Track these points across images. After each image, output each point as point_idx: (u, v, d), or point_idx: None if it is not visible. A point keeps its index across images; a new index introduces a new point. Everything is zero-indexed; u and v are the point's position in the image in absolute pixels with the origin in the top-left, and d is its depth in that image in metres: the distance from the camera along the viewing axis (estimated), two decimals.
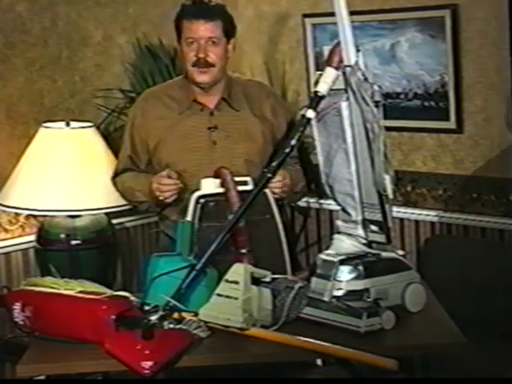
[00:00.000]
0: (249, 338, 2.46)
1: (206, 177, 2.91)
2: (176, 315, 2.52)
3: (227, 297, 2.47)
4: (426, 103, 4.08)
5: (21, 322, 2.56)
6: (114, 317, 2.42)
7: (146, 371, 2.25)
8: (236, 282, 2.48)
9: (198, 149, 3.08)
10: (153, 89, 3.31)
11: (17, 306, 2.56)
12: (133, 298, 2.60)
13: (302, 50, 4.47)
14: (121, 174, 3.23)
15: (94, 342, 2.39)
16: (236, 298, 2.46)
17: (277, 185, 2.92)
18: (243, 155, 3.07)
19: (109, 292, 2.67)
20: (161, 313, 2.48)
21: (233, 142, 3.08)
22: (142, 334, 2.31)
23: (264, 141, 3.12)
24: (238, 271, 2.50)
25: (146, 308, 2.55)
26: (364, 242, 2.66)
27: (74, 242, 3.62)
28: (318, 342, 2.38)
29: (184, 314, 2.52)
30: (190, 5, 3.09)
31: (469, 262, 3.79)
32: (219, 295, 2.49)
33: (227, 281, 2.50)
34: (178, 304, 2.52)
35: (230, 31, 3.08)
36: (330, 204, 4.05)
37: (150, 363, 2.26)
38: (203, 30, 3.01)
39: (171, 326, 2.47)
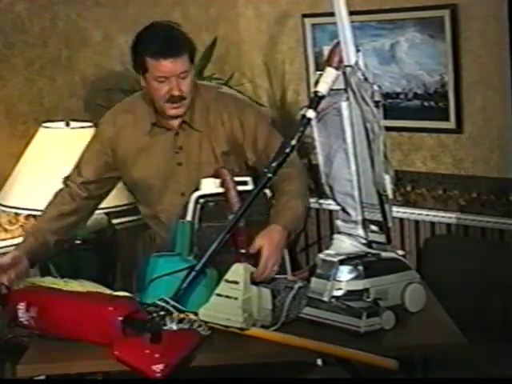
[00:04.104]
0: (249, 338, 2.45)
1: (173, 195, 2.96)
2: (175, 315, 2.52)
3: (227, 297, 2.47)
4: (426, 103, 4.08)
5: (25, 322, 2.54)
6: (121, 318, 2.38)
7: (158, 374, 2.24)
8: (236, 282, 2.48)
9: (163, 169, 3.02)
10: (122, 104, 3.15)
11: (22, 306, 2.53)
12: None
13: (301, 50, 4.47)
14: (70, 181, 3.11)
15: (101, 343, 2.37)
16: (236, 298, 2.45)
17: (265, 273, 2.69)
18: (208, 175, 2.94)
19: (108, 292, 2.67)
20: (160, 313, 2.48)
21: (198, 163, 3.01)
22: (151, 337, 2.28)
23: (229, 159, 3.02)
24: (238, 271, 2.50)
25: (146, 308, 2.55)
26: (364, 242, 2.66)
27: (73, 242, 3.61)
28: (318, 342, 2.38)
29: (183, 314, 2.52)
30: (154, 42, 2.89)
31: (469, 262, 3.79)
32: (219, 295, 2.49)
33: (227, 281, 2.50)
34: (176, 304, 2.52)
35: (193, 57, 2.96)
36: (329, 204, 4.05)
37: (161, 366, 2.24)
38: (173, 67, 2.87)
39: (174, 326, 2.45)
